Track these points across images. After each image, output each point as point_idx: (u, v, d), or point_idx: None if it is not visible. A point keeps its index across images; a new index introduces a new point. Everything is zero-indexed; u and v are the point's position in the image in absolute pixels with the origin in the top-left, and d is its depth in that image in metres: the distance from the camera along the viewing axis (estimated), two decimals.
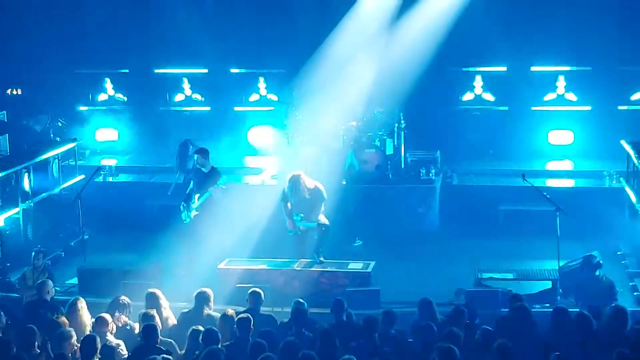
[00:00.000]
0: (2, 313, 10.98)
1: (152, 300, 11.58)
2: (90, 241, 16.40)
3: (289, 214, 14.61)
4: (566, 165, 19.03)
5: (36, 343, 10.30)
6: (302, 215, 14.57)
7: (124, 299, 11.61)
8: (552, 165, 19.01)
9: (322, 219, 14.62)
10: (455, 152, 19.53)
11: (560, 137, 19.70)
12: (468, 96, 20.33)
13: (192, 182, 15.28)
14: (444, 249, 16.28)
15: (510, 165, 18.64)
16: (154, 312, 11.10)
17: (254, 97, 21.12)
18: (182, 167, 17.10)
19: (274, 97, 20.80)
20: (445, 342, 9.51)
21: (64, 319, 11.05)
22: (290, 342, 9.79)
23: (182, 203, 15.03)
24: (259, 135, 19.84)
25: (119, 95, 21.68)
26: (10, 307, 11.77)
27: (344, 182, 16.85)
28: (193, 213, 14.91)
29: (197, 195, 14.94)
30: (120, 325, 11.27)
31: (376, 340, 10.35)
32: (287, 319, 11.23)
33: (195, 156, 15.19)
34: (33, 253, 14.29)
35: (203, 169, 15.10)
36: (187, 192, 15.26)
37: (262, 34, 20.12)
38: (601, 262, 13.40)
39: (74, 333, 10.46)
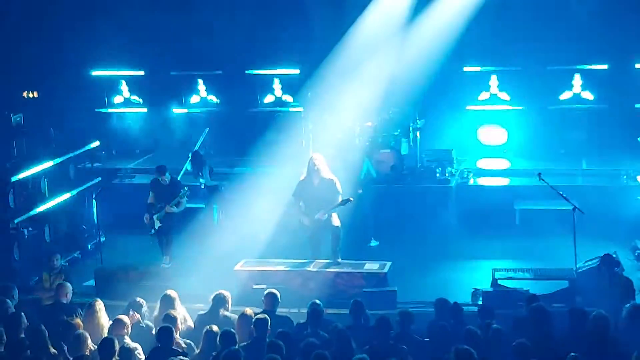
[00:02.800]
0: (23, 315, 11.03)
1: (167, 302, 11.60)
2: (107, 243, 16.48)
3: (303, 212, 14.59)
4: (582, 163, 18.94)
5: (47, 344, 10.35)
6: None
7: (139, 300, 11.64)
8: (568, 164, 18.90)
9: (335, 221, 14.59)
10: (471, 151, 19.50)
11: (576, 135, 19.61)
12: (484, 95, 20.26)
13: (150, 192, 15.30)
14: (460, 248, 16.25)
15: (526, 165, 18.59)
16: (176, 313, 11.13)
17: (268, 98, 21.12)
18: (197, 174, 17.06)
19: (289, 99, 20.81)
20: (463, 342, 9.51)
21: (78, 321, 11.08)
22: (311, 342, 9.80)
23: (145, 215, 15.19)
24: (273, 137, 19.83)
25: (135, 97, 21.73)
26: (29, 310, 11.79)
27: (360, 191, 16.77)
28: (157, 225, 15.16)
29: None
30: (134, 321, 11.29)
31: (391, 340, 10.34)
32: (303, 320, 11.24)
33: (159, 178, 15.23)
34: (50, 255, 14.37)
35: (163, 182, 15.16)
36: (148, 202, 15.30)
37: (276, 34, 20.11)
38: (619, 261, 13.34)
39: (88, 335, 10.48)
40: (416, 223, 16.91)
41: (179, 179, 16.54)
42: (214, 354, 10.08)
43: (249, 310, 11.09)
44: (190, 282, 14.12)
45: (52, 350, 10.31)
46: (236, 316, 11.23)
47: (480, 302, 12.91)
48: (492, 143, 19.89)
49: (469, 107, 20.24)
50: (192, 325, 11.60)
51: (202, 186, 16.75)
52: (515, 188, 17.76)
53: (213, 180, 17.03)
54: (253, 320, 10.71)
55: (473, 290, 13.75)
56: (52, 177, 16.72)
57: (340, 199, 14.46)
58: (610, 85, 19.49)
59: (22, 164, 16.55)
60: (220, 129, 20.56)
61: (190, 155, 17.13)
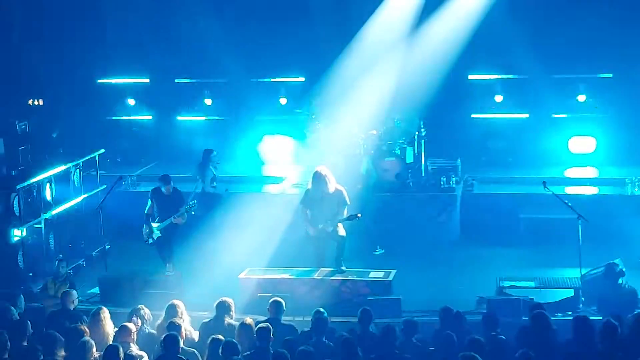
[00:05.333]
0: (28, 322, 11.03)
1: (172, 312, 11.59)
2: (112, 251, 16.48)
3: (309, 221, 14.59)
4: (588, 172, 18.93)
5: (58, 350, 10.34)
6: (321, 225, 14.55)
7: (142, 307, 11.64)
8: (573, 173, 18.91)
9: (340, 230, 14.60)
10: (476, 160, 19.49)
11: (582, 144, 19.60)
12: (489, 104, 20.24)
13: (149, 201, 15.28)
14: (465, 257, 16.24)
15: (531, 173, 18.58)
16: (180, 321, 11.11)
17: (274, 106, 21.11)
18: (202, 176, 17.09)
19: (294, 106, 20.81)
20: (468, 351, 9.51)
21: (85, 328, 11.07)
22: (305, 350, 9.77)
23: (144, 225, 15.15)
24: (274, 145, 19.88)
25: (140, 105, 21.73)
26: (33, 317, 11.79)
27: (359, 186, 16.83)
28: (156, 235, 15.09)
29: (158, 219, 15.13)
30: (139, 328, 11.29)
31: (396, 349, 10.33)
32: (307, 328, 11.23)
33: (163, 188, 15.18)
34: (55, 262, 14.38)
35: (165, 192, 15.14)
36: (145, 212, 15.30)
37: (281, 43, 20.13)
38: (624, 269, 13.32)
39: (93, 343, 10.47)
40: (421, 231, 16.91)
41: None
42: None
43: (248, 319, 11.07)
44: (194, 290, 14.12)
45: (60, 356, 10.32)
46: None
47: (484, 311, 12.87)
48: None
49: (474, 116, 20.25)
50: (195, 338, 11.54)
51: (200, 190, 16.67)
52: (520, 196, 17.73)
53: (213, 188, 16.98)
54: (256, 329, 10.69)
55: (478, 298, 13.74)
56: (57, 184, 16.73)
57: (346, 212, 14.47)
58: (616, 94, 19.48)
59: (27, 171, 16.57)
60: (226, 136, 20.59)
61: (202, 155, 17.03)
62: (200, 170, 17.10)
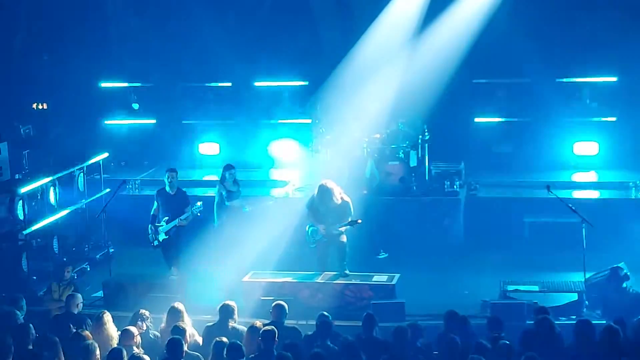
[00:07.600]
0: (31, 326, 11.03)
1: (175, 315, 11.59)
2: (115, 254, 16.48)
3: (316, 221, 14.61)
4: (591, 176, 18.92)
5: (57, 354, 10.35)
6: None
7: (143, 312, 11.64)
8: (577, 177, 18.90)
9: (342, 236, 14.60)
10: (480, 164, 19.47)
11: (585, 148, 19.58)
12: (492, 108, 20.23)
13: (155, 202, 15.28)
14: (469, 261, 16.23)
15: (535, 177, 18.55)
16: (184, 325, 11.11)
17: (277, 110, 21.11)
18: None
19: (297, 110, 20.81)
20: (472, 355, 9.51)
21: (87, 332, 11.08)
22: (317, 353, 9.77)
23: (150, 226, 15.15)
24: (281, 149, 19.88)
25: (144, 109, 21.73)
26: (37, 321, 11.79)
27: (365, 192, 16.85)
28: (161, 237, 15.12)
29: (165, 219, 15.11)
30: (142, 331, 11.29)
31: (405, 352, 10.32)
32: (311, 331, 11.22)
33: (167, 174, 15.17)
34: (60, 266, 14.38)
35: (170, 191, 15.12)
36: (151, 213, 15.29)
37: (285, 47, 20.13)
38: (628, 274, 13.31)
39: (97, 345, 10.48)
40: (425, 235, 16.89)
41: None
42: None
43: (258, 323, 11.08)
44: (198, 293, 14.12)
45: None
46: (244, 327, 11.23)
47: (488, 315, 12.86)
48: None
49: (477, 119, 20.23)
50: (200, 342, 11.54)
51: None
52: (524, 201, 17.72)
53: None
54: (260, 332, 10.69)
55: (482, 302, 13.73)
56: (62, 188, 16.74)
57: (349, 220, 14.52)
58: (620, 98, 19.47)
59: (31, 175, 16.58)
60: (229, 140, 20.60)
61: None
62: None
